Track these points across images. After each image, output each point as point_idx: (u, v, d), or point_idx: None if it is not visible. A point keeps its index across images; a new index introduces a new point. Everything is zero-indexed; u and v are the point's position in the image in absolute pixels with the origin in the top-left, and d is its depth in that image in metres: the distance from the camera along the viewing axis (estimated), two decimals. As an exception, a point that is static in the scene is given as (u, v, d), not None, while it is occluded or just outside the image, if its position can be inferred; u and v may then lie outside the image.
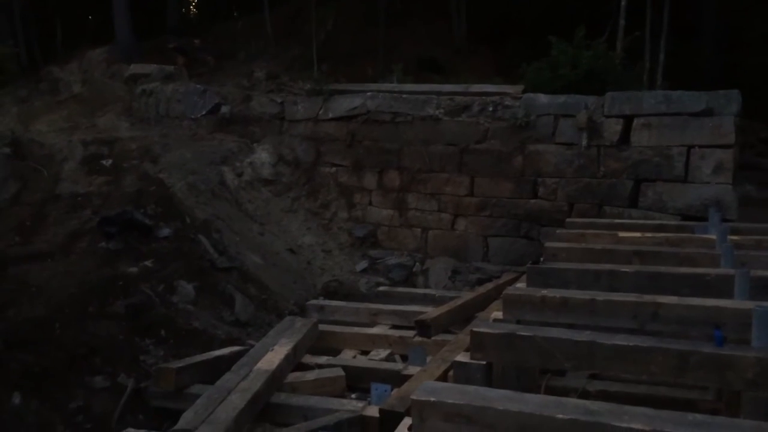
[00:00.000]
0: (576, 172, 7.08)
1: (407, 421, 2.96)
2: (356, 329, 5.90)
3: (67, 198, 7.47)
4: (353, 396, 4.76)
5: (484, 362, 3.61)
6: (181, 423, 3.95)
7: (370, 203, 8.31)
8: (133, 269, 6.08)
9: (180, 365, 4.83)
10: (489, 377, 3.65)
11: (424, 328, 5.44)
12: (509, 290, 4.42)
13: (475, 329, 3.63)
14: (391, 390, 4.38)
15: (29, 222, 6.90)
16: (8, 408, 4.27)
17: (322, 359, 5.30)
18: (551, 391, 4.08)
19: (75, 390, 4.55)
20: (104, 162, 8.51)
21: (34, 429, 4.19)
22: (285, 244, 7.96)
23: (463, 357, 3.75)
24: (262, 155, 8.97)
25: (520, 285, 4.64)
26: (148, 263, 6.24)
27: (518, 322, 3.99)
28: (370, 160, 8.28)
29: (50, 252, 6.26)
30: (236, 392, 4.33)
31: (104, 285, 5.72)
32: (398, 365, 5.16)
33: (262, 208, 8.43)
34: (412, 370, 4.77)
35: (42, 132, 9.80)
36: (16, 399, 4.32)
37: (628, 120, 6.86)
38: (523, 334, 3.52)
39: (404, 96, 8.18)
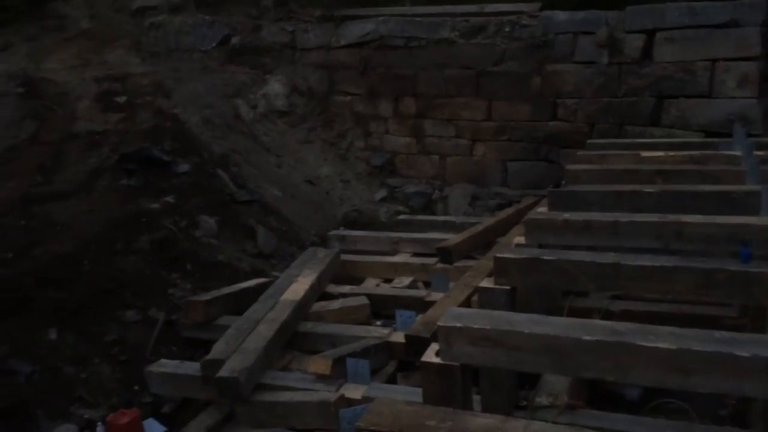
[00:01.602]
0: (596, 92, 6.93)
1: (434, 346, 3.01)
2: (378, 258, 5.96)
3: (85, 136, 7.47)
4: (378, 323, 4.85)
5: (508, 287, 3.65)
6: (213, 353, 4.07)
7: (387, 131, 8.24)
8: (155, 205, 6.13)
9: (208, 297, 4.94)
10: (513, 301, 3.69)
11: (445, 254, 5.48)
12: (531, 214, 4.42)
13: (498, 255, 3.65)
14: (416, 316, 4.45)
15: (49, 161, 6.94)
16: (45, 343, 4.41)
17: (346, 288, 5.38)
18: (574, 312, 4.13)
19: (108, 324, 4.68)
20: (118, 99, 8.45)
21: (72, 361, 4.34)
22: (303, 176, 7.97)
23: (486, 282, 3.79)
24: (275, 86, 8.86)
25: (542, 209, 4.63)
26: (169, 199, 6.29)
27: (540, 246, 4.01)
28: (384, 87, 8.15)
29: (73, 191, 6.31)
30: (264, 322, 4.42)
31: (128, 221, 5.79)
32: (421, 292, 5.23)
33: (278, 140, 8.39)
34: (435, 296, 4.83)
35: (53, 70, 9.70)
36: (53, 334, 4.46)
37: (649, 35, 6.64)
38: (546, 258, 3.54)
39: (417, 19, 7.95)
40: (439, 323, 2.93)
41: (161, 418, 3.89)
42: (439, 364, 2.97)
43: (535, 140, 7.30)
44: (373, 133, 8.32)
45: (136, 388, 4.30)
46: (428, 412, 2.38)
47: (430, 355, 3.04)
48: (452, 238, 5.72)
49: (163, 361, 4.39)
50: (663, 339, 2.52)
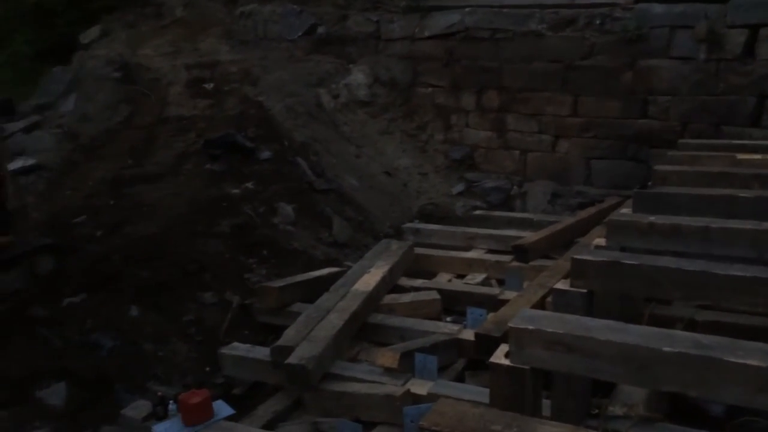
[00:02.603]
0: (692, 89, 6.56)
1: (504, 347, 2.93)
2: (452, 253, 5.89)
3: (174, 121, 7.74)
4: (449, 319, 4.79)
5: (585, 290, 3.50)
6: (283, 339, 4.12)
7: (468, 125, 8.11)
8: (237, 190, 6.28)
9: (282, 284, 5.02)
10: (590, 305, 3.54)
11: (521, 252, 5.35)
12: (614, 215, 4.24)
13: (576, 256, 3.51)
14: (487, 314, 4.36)
15: (140, 144, 7.24)
16: (128, 319, 4.60)
17: (418, 282, 5.34)
18: (655, 320, 3.93)
19: (187, 304, 4.83)
20: (206, 85, 8.71)
21: (151, 338, 4.51)
22: (381, 167, 7.96)
23: (562, 284, 3.65)
24: (358, 76, 8.88)
25: (626, 210, 4.43)
26: (250, 185, 6.43)
27: (622, 249, 3.83)
28: (468, 79, 8.01)
29: (160, 173, 6.56)
30: (335, 311, 4.45)
31: (210, 205, 5.96)
32: (494, 290, 5.12)
33: (358, 130, 8.42)
34: (509, 295, 4.72)
35: (148, 56, 10.10)
36: (134, 311, 4.65)
37: (753, 30, 6.23)
38: (628, 262, 3.37)
39: (505, 11, 7.77)
40: (511, 324, 2.85)
41: (232, 400, 3.97)
42: (508, 366, 2.88)
43: (622, 138, 7.00)
44: (453, 126, 8.22)
45: (208, 369, 4.42)
46: (493, 416, 2.31)
47: (500, 356, 2.96)
48: (529, 236, 5.58)
49: (236, 344, 4.49)
50: (752, 355, 2.34)
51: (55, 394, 3.94)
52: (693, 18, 6.49)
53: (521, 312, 2.97)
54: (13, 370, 4.06)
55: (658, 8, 6.76)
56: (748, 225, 3.51)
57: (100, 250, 5.30)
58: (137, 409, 3.80)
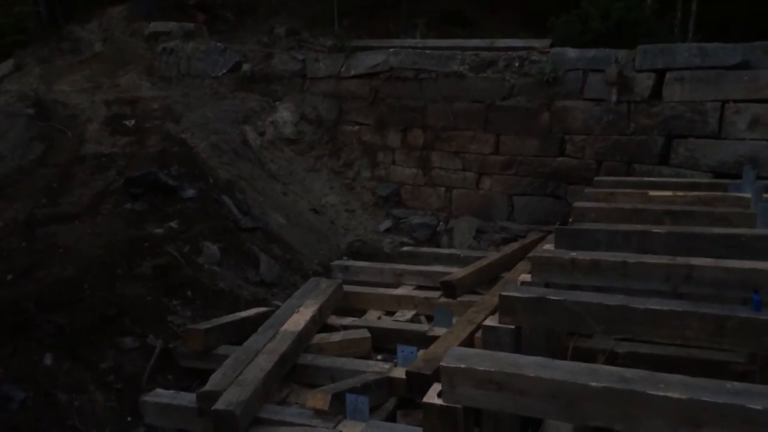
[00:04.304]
0: (605, 129, 6.91)
1: (437, 386, 2.94)
2: (381, 290, 5.90)
3: (92, 159, 7.48)
4: (379, 357, 4.78)
5: (513, 326, 3.58)
6: (210, 384, 3.99)
7: (394, 162, 8.23)
8: (159, 230, 6.09)
9: (207, 326, 4.87)
10: (517, 340, 3.62)
11: (449, 288, 5.42)
12: (538, 252, 4.36)
13: (504, 293, 3.59)
14: (418, 351, 4.37)
15: (56, 183, 6.94)
16: (41, 368, 4.34)
17: (348, 320, 5.31)
18: (578, 352, 4.06)
19: (105, 350, 4.61)
20: (127, 122, 8.49)
21: (66, 388, 4.26)
22: (308, 204, 7.94)
23: (491, 321, 3.72)
24: (284, 114, 8.89)
25: (548, 246, 4.57)
26: (173, 224, 6.25)
27: (547, 285, 3.95)
28: (393, 118, 8.16)
29: (77, 213, 6.29)
30: (263, 353, 4.35)
31: (131, 246, 5.74)
32: (424, 326, 5.15)
33: (285, 168, 8.39)
34: (438, 331, 4.76)
35: (65, 92, 9.78)
36: (48, 359, 4.39)
37: (660, 74, 6.65)
38: (553, 298, 3.47)
39: (428, 52, 8.00)
40: (442, 363, 2.87)
41: (154, 451, 3.80)
42: (441, 406, 2.90)
43: (542, 176, 7.27)
44: (380, 164, 8.31)
45: (129, 418, 4.21)
46: (429, 457, 2.30)
47: (432, 396, 2.97)
48: (456, 272, 5.66)
49: (159, 390, 4.32)
50: (673, 388, 2.45)
51: (-41, 454, 3.66)
52: (604, 62, 6.86)
53: (452, 350, 3.00)
54: None
55: (571, 53, 7.13)
56: (662, 260, 3.69)
57: (11, 296, 4.99)
58: (52, 465, 3.57)
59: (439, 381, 2.96)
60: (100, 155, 7.56)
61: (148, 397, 4.20)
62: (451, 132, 7.76)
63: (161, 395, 4.22)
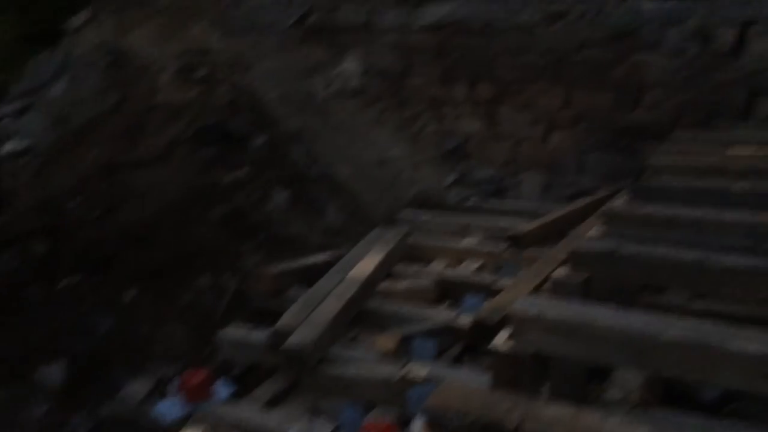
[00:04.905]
0: (682, 84, 6.64)
1: (505, 333, 2.98)
2: (446, 242, 5.92)
3: (165, 108, 7.68)
4: (444, 306, 4.83)
5: (583, 278, 3.57)
6: (281, 323, 4.14)
7: (460, 115, 8.14)
8: (230, 177, 6.27)
9: (277, 270, 5.04)
10: (586, 294, 3.60)
11: (516, 242, 5.40)
12: (610, 206, 4.31)
13: (574, 245, 3.57)
14: (483, 301, 4.41)
15: (131, 130, 7.18)
16: (124, 302, 4.60)
17: (413, 269, 5.37)
18: (650, 309, 4.00)
19: (183, 288, 4.83)
20: (197, 73, 8.64)
21: (147, 321, 4.51)
22: (373, 156, 7.97)
23: (560, 272, 3.71)
24: (350, 66, 8.87)
25: (621, 201, 4.50)
26: (242, 172, 6.42)
27: (619, 238, 3.89)
28: (460, 70, 8.04)
29: (152, 159, 6.52)
30: (332, 297, 4.47)
31: (204, 191, 5.95)
32: (489, 278, 5.16)
33: (350, 120, 8.43)
34: (504, 283, 4.77)
35: (137, 43, 10.00)
36: (130, 294, 4.65)
37: (743, 27, 6.32)
38: (626, 251, 3.43)
39: (498, 3, 7.80)
40: (512, 310, 2.90)
41: (229, 382, 3.99)
42: (509, 352, 2.93)
43: (615, 131, 7.07)
44: (446, 117, 8.24)
45: (206, 350, 4.42)
46: (498, 398, 2.36)
47: (500, 342, 3.01)
48: (523, 226, 5.63)
49: (233, 327, 4.50)
50: (752, 341, 2.41)
51: (52, 374, 3.95)
52: (683, 14, 6.56)
53: (522, 298, 3.03)
54: (10, 350, 4.05)
55: (648, 4, 6.84)
56: (742, 216, 3.59)
57: (94, 234, 5.28)
58: (138, 387, 3.83)
59: (504, 330, 3.00)
60: (173, 105, 7.75)
61: (224, 333, 4.39)
62: (520, 85, 7.60)
63: (235, 331, 4.41)
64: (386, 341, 4.00)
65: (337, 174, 7.13)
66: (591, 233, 4.30)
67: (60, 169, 6.51)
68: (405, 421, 3.53)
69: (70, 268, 4.77)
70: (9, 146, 6.15)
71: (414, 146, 8.25)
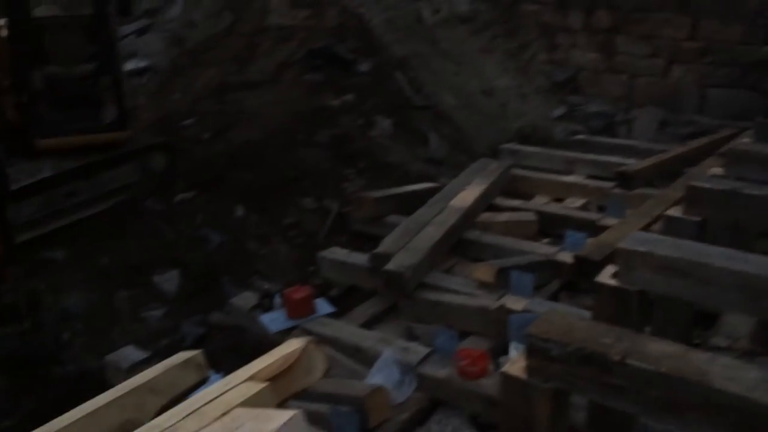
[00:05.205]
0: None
1: (611, 269, 2.89)
2: (550, 176, 5.76)
3: (275, 30, 7.77)
4: (545, 241, 4.75)
5: (698, 219, 3.39)
6: (382, 247, 4.21)
7: (574, 45, 7.75)
8: (335, 102, 6.33)
9: (378, 195, 5.10)
10: (701, 235, 3.42)
11: (625, 179, 5.18)
12: (733, 145, 4.03)
13: (693, 183, 3.38)
14: (586, 238, 4.30)
15: (243, 52, 7.34)
16: (233, 218, 4.83)
17: (515, 203, 5.29)
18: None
19: (288, 208, 5.00)
20: (306, -5, 8.65)
21: (254, 237, 4.72)
22: (479, 86, 7.78)
23: (674, 211, 3.54)
24: (460, -10, 8.58)
25: (745, 140, 4.19)
26: (348, 97, 6.45)
27: (739, 179, 3.64)
28: (577, -4, 7.61)
29: (262, 81, 6.68)
30: (432, 225, 4.49)
31: (310, 115, 6.05)
32: (593, 215, 5.01)
33: (457, 47, 8.21)
34: (609, 221, 4.62)
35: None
36: (240, 211, 4.86)
37: None
38: (748, 192, 3.21)
39: None
40: (620, 245, 2.80)
41: (329, 301, 4.14)
42: (614, 287, 2.85)
43: (743, 66, 6.53)
44: (558, 46, 7.88)
45: (308, 270, 4.59)
46: (602, 330, 2.30)
47: (606, 277, 2.93)
48: (635, 163, 5.38)
49: (334, 248, 4.63)
50: None
51: (168, 281, 4.23)
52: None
53: (632, 234, 2.92)
54: (131, 257, 4.37)
55: None
56: None
57: (207, 152, 5.52)
58: (244, 299, 4.04)
59: (609, 267, 2.91)
60: (282, 27, 7.83)
61: (325, 253, 4.53)
62: (642, 14, 7.11)
63: (336, 253, 4.54)
64: (484, 272, 4.00)
65: (441, 103, 7.03)
66: (711, 172, 4.05)
67: (175, 89, 6.80)
68: (499, 351, 3.55)
69: (185, 183, 5.03)
70: (131, 64, 6.45)
71: (522, 77, 7.96)
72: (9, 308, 3.49)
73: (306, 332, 3.67)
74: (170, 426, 1.93)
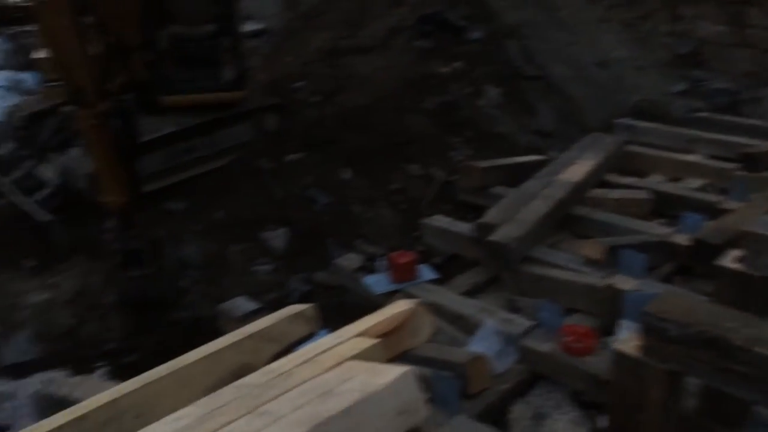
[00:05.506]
0: None
1: (732, 253, 2.73)
2: (668, 154, 5.48)
3: (387, -5, 7.76)
4: (659, 221, 4.54)
5: (839, 205, 3.13)
6: (487, 217, 4.17)
7: (700, 16, 7.26)
8: (445, 69, 6.27)
9: (485, 165, 5.03)
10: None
11: (752, 161, 4.84)
12: None
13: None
14: (704, 221, 4.08)
15: (354, 16, 7.38)
16: (340, 180, 4.92)
17: (628, 180, 5.07)
18: None
19: (394, 173, 5.04)
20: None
21: (359, 201, 4.80)
22: (594, 57, 7.46)
23: (810, 196, 3.29)
24: (580, -44, 8.22)
25: None
26: (457, 64, 6.38)
27: None
28: (708, -37, 7.11)
29: (372, 46, 6.70)
30: (539, 198, 4.39)
31: (418, 81, 6.03)
32: (713, 197, 4.73)
33: (573, 16, 7.90)
34: (731, 204, 4.35)
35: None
36: (347, 174, 4.94)
37: None
38: None
39: None
40: (749, 228, 2.64)
41: (431, 267, 4.16)
42: (738, 272, 2.70)
43: None
44: (682, 17, 7.40)
45: (411, 235, 4.62)
46: (728, 314, 2.19)
47: (728, 261, 2.78)
48: (762, 144, 5.03)
49: (439, 216, 4.63)
50: None
51: (278, 238, 4.39)
52: None
53: (761, 218, 2.74)
54: (243, 213, 4.56)
55: None
56: None
57: (317, 115, 5.63)
58: (348, 260, 4.13)
59: (730, 252, 2.75)
60: (394, -9, 7.81)
61: (429, 221, 4.54)
62: (781, -16, 6.57)
63: (440, 220, 4.54)
64: (593, 249, 3.88)
65: (554, 74, 6.81)
66: None
67: (288, 52, 6.95)
68: (604, 330, 3.46)
69: (295, 144, 5.16)
70: (248, 27, 6.62)
71: (641, 48, 7.56)
72: (135, 254, 3.74)
73: (408, 296, 3.71)
74: (286, 371, 2.01)
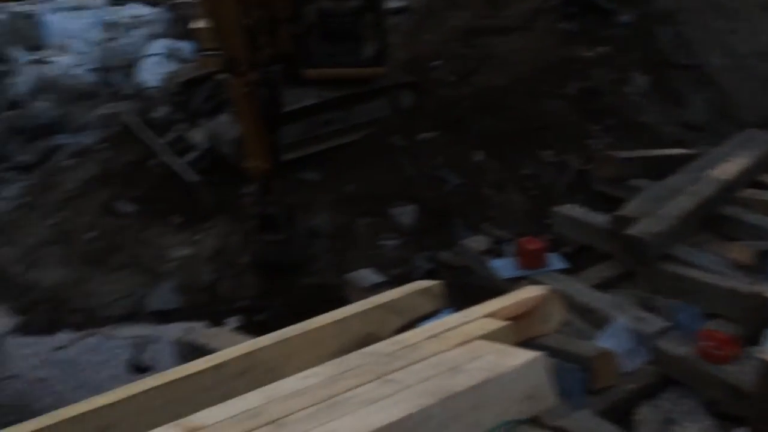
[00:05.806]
0: None
1: None
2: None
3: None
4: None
5: None
6: (626, 210, 3.98)
7: None
8: (589, 53, 6.03)
9: (625, 156, 4.81)
10: None
11: None
12: None
13: None
14: None
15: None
16: (471, 162, 4.88)
17: (788, 181, 4.66)
18: None
19: (526, 159, 4.94)
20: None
21: (490, 184, 4.75)
22: (756, 47, 6.87)
23: None
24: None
25: None
26: (603, 49, 6.10)
27: None
28: None
29: (512, 27, 6.54)
30: (684, 194, 4.13)
31: (559, 65, 5.84)
32: None
33: (734, 2, 7.31)
34: None
35: None
36: (479, 156, 4.90)
37: None
38: None
39: None
40: None
41: (561, 257, 4.04)
42: None
43: None
44: None
45: (541, 222, 4.51)
46: None
47: None
48: None
49: (571, 205, 4.47)
50: None
51: (405, 214, 4.44)
52: None
53: None
54: (373, 188, 4.65)
55: None
56: None
57: (451, 95, 5.60)
58: (475, 242, 4.10)
59: None
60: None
61: (561, 209, 4.40)
62: None
63: (573, 210, 4.38)
64: (741, 252, 3.61)
65: (708, 63, 6.34)
66: None
67: (426, 31, 6.94)
68: (747, 339, 3.21)
69: (428, 123, 5.17)
70: (390, 4, 6.67)
71: (812, 39, 6.89)
72: (271, 219, 3.91)
73: (535, 284, 3.62)
74: (412, 344, 2.04)
